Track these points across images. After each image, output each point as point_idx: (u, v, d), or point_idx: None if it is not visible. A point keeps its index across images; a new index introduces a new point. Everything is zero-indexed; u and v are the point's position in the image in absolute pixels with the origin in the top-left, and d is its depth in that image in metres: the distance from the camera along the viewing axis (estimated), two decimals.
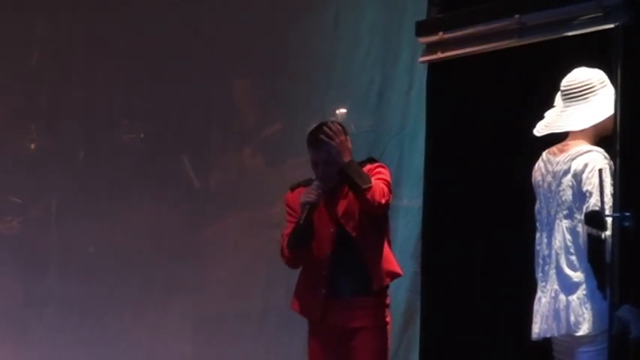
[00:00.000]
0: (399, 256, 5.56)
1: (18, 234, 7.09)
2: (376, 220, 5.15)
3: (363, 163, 5.21)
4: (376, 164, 5.24)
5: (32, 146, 7.17)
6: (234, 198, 7.09)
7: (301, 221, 5.04)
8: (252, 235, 6.95)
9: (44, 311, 6.96)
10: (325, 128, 5.10)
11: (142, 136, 7.19)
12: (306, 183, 5.24)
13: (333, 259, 5.15)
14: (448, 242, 5.86)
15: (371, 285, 5.14)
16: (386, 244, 5.20)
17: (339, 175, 5.06)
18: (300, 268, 5.32)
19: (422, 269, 6.07)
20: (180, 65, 7.01)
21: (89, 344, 6.89)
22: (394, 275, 5.23)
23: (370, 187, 4.98)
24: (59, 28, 7.06)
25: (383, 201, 5.00)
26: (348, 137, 5.15)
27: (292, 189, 5.32)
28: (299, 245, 5.14)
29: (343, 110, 6.82)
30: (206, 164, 7.20)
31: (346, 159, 5.04)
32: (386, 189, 5.05)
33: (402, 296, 6.27)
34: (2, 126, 7.13)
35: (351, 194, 5.12)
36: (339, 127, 5.13)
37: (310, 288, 5.21)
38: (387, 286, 5.25)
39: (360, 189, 4.99)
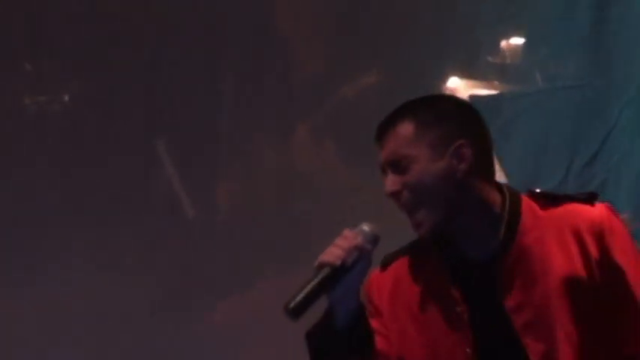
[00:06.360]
0: None
1: None
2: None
3: (570, 200, 2.57)
4: (608, 213, 2.53)
5: None
6: None
7: (298, 299, 2.44)
8: None
9: None
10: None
11: None
12: (404, 252, 2.66)
13: None
14: None
15: None
16: None
17: None
18: None
19: None
20: None
21: None
22: None
23: None
24: None
25: None
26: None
27: (383, 264, 2.66)
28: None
29: None
30: None
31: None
32: None
33: None
34: None
35: (541, 270, 2.50)
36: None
37: None
38: None
39: None
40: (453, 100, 2.66)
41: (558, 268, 2.47)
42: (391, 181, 2.51)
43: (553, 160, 4.19)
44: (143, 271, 4.68)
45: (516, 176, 4.17)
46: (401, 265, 2.61)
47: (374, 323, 2.58)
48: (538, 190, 2.58)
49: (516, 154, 4.24)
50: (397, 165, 2.50)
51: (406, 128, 2.50)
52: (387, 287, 2.61)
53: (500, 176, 4.36)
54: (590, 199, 2.53)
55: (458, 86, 4.63)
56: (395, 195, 2.51)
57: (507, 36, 4.56)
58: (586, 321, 2.46)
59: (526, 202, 2.53)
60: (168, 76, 4.82)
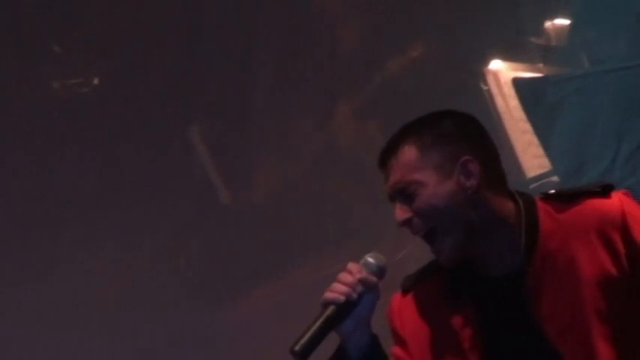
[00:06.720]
0: None
1: None
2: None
3: (586, 196, 2.41)
4: (627, 201, 2.39)
5: None
6: None
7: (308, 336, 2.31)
8: None
9: None
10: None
11: None
12: (427, 273, 2.49)
13: None
14: None
15: None
16: None
17: None
18: None
19: None
20: None
21: None
22: None
23: None
24: None
25: None
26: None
27: (404, 288, 2.50)
28: None
29: None
30: None
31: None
32: None
33: None
34: None
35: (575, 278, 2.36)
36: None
37: None
38: None
39: None
40: (452, 115, 2.45)
41: (587, 270, 2.35)
42: (401, 210, 2.36)
43: (599, 146, 4.02)
44: (176, 258, 4.59)
45: (561, 164, 4.03)
46: (421, 288, 2.47)
47: (397, 351, 2.46)
48: (552, 192, 2.44)
49: (561, 140, 4.09)
50: (405, 192, 2.36)
51: (409, 153, 2.37)
52: (408, 312, 2.47)
53: (544, 163, 4.25)
54: (605, 190, 2.38)
55: (500, 68, 4.48)
56: (407, 224, 2.37)
57: (553, 15, 4.40)
58: (622, 317, 2.34)
59: (541, 206, 2.39)
60: (203, 58, 4.70)
